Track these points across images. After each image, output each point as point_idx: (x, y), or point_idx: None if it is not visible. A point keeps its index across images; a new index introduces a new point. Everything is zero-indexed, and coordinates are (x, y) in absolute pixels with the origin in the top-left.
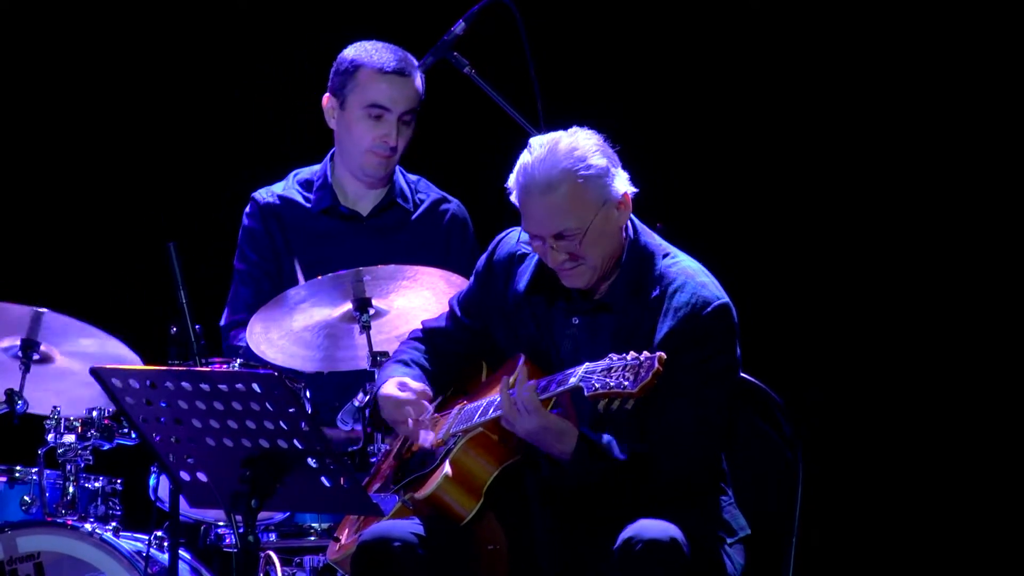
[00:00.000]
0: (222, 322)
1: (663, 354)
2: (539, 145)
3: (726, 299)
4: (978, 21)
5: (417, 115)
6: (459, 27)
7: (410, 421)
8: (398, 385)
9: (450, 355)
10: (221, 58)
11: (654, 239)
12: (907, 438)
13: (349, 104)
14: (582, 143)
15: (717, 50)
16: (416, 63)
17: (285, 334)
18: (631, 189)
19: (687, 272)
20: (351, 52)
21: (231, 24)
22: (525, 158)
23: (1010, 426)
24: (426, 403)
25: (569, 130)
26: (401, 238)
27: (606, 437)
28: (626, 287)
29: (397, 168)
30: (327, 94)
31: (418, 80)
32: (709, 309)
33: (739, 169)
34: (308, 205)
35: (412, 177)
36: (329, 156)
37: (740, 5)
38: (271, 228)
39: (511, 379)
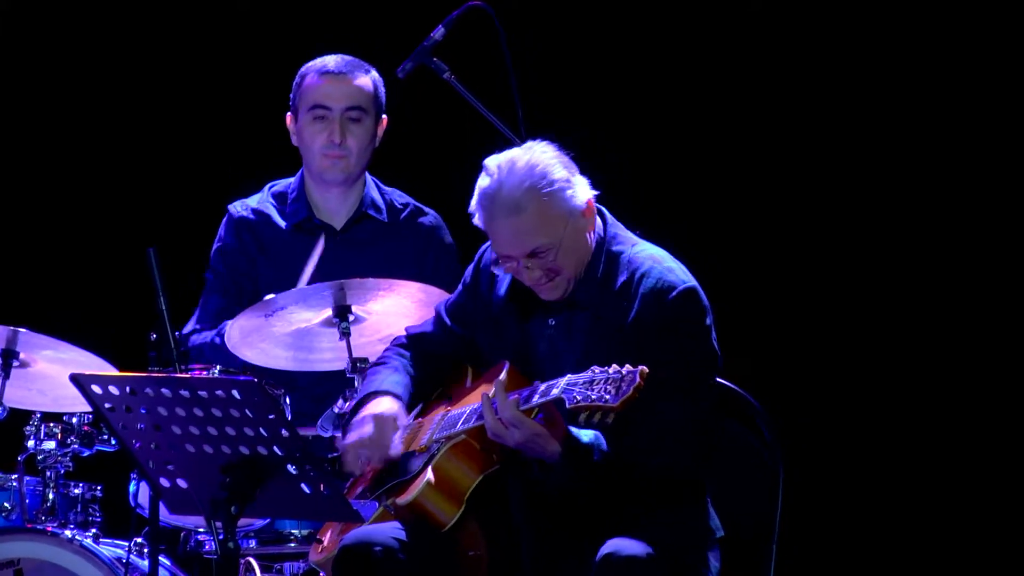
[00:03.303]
0: (185, 330)
1: (645, 368)
2: (496, 166)
3: (693, 283)
4: (973, 21)
5: (380, 117)
6: (438, 33)
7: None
8: (398, 414)
9: (436, 359)
10: (199, 64)
11: (622, 230)
12: (888, 442)
13: (299, 114)
14: (539, 157)
15: (697, 53)
16: (368, 68)
17: (265, 337)
18: (592, 194)
19: (655, 258)
20: (302, 68)
21: (211, 31)
22: (484, 182)
23: (993, 429)
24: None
25: (524, 146)
26: (376, 250)
27: (592, 434)
28: (596, 280)
29: (370, 179)
30: (288, 114)
31: (362, 79)
32: (675, 293)
33: (718, 174)
34: (282, 219)
35: (387, 188)
36: (301, 170)
37: (721, 10)
38: (245, 242)
39: (490, 393)
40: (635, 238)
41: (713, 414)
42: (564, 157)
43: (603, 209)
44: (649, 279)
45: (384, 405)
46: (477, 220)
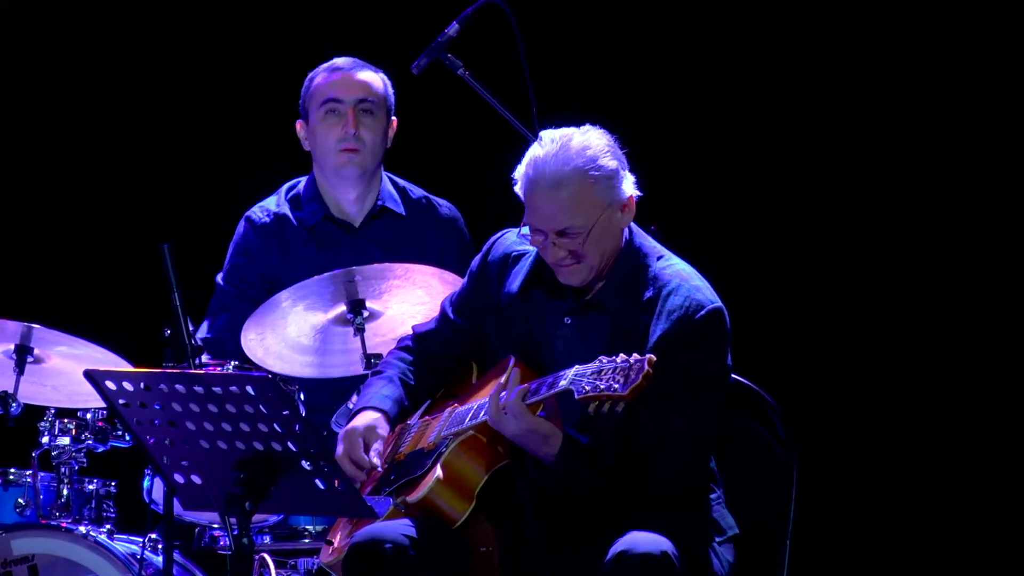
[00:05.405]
0: (207, 335)
1: (653, 356)
2: (551, 140)
3: (720, 304)
4: (978, 21)
5: (390, 118)
6: (453, 29)
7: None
8: (364, 430)
9: (441, 358)
10: (213, 64)
11: (648, 241)
12: (901, 440)
13: (311, 114)
14: (594, 142)
15: (712, 53)
16: (377, 69)
17: (281, 340)
18: (636, 193)
19: (682, 275)
20: (310, 73)
21: (224, 28)
22: (536, 151)
23: (1005, 428)
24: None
25: (582, 127)
26: (396, 244)
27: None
28: (620, 288)
29: (384, 175)
30: (298, 121)
31: (372, 76)
32: (702, 313)
33: (734, 172)
34: (299, 221)
35: (401, 182)
36: (311, 174)
37: (736, 7)
38: (270, 248)
39: (503, 380)
40: (661, 249)
41: (716, 428)
42: (618, 149)
43: None
44: (677, 297)
45: (362, 419)
46: (518, 187)
